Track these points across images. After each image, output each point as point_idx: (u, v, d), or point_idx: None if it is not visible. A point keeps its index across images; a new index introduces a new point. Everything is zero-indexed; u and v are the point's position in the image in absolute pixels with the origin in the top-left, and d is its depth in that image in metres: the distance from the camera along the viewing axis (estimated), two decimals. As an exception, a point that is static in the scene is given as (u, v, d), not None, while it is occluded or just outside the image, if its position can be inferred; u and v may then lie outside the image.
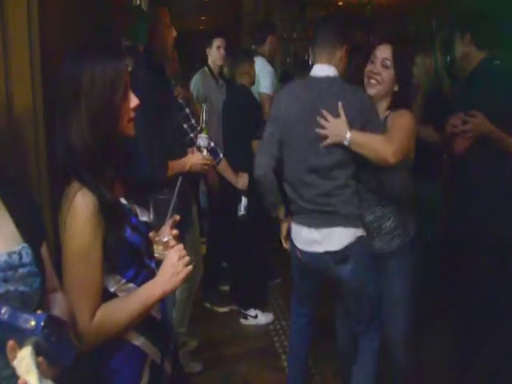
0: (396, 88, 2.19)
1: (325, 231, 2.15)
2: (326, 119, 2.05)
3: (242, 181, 3.13)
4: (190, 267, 1.27)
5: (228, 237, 3.74)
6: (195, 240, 2.76)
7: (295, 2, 7.99)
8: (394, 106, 2.21)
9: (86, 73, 1.22)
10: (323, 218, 2.15)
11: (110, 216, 1.22)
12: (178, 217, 1.45)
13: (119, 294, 1.28)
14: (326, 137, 2.06)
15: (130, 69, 2.40)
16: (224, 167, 3.02)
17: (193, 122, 2.61)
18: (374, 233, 2.22)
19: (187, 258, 1.27)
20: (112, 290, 1.27)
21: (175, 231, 1.42)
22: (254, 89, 3.72)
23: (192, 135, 2.59)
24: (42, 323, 0.85)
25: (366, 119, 2.08)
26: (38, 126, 1.47)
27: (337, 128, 2.02)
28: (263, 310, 3.66)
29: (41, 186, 1.48)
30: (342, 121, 2.02)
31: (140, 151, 2.05)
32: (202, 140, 2.37)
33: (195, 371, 2.94)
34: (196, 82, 3.95)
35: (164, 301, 1.40)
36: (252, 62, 3.58)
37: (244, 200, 3.20)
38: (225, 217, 3.61)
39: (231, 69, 3.78)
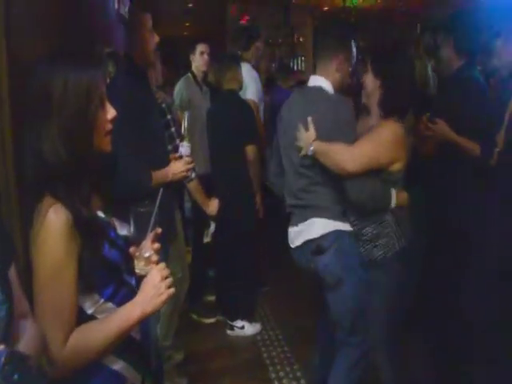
0: (378, 84, 2.17)
1: (303, 224, 2.26)
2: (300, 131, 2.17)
3: (211, 206, 2.94)
4: (173, 290, 1.20)
5: (214, 246, 3.67)
6: (180, 251, 2.69)
7: (280, 7, 8.00)
8: (383, 110, 2.18)
9: (58, 81, 1.14)
10: (301, 212, 2.27)
11: (86, 233, 1.15)
12: (159, 230, 1.37)
13: (98, 316, 1.20)
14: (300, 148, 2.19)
15: (111, 75, 2.35)
16: (194, 187, 2.80)
17: (173, 130, 2.51)
18: (356, 236, 2.21)
19: (170, 279, 1.20)
20: (90, 311, 1.19)
21: (157, 245, 1.35)
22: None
23: (170, 147, 2.47)
24: (3, 360, 0.77)
25: (339, 131, 2.13)
26: (5, 135, 1.38)
27: (305, 141, 2.14)
28: (250, 321, 3.59)
29: (10, 201, 1.38)
30: (310, 134, 2.13)
31: (122, 163, 1.96)
32: (184, 148, 2.29)
33: (180, 386, 2.86)
34: (179, 89, 3.89)
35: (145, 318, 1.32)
36: (239, 67, 3.51)
37: (212, 226, 3.08)
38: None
39: (217, 75, 3.71)
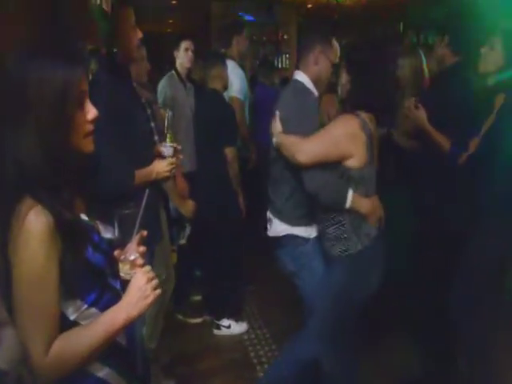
0: (348, 79, 2.18)
1: (269, 215, 2.44)
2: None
3: (186, 207, 2.88)
4: (159, 291, 1.17)
5: (200, 245, 3.63)
6: (165, 251, 2.65)
7: (264, 4, 7.97)
8: (349, 105, 2.20)
9: (33, 79, 1.08)
10: (269, 204, 2.44)
11: (68, 236, 1.10)
12: (145, 232, 1.34)
13: (81, 322, 1.16)
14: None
15: (93, 71, 2.29)
16: (171, 187, 2.73)
17: (152, 125, 2.46)
18: (320, 233, 2.28)
19: (156, 281, 1.17)
20: (72, 317, 1.15)
21: (142, 248, 1.31)
22: (224, 93, 3.61)
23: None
24: None
25: (299, 123, 2.19)
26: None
27: (274, 134, 2.25)
28: (237, 320, 3.57)
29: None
30: (276, 127, 2.23)
31: (104, 162, 1.90)
32: (167, 149, 2.23)
33: (168, 388, 2.82)
34: (163, 87, 3.82)
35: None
36: (224, 65, 3.47)
37: (188, 229, 3.02)
38: (196, 225, 3.50)
39: (202, 72, 3.66)
